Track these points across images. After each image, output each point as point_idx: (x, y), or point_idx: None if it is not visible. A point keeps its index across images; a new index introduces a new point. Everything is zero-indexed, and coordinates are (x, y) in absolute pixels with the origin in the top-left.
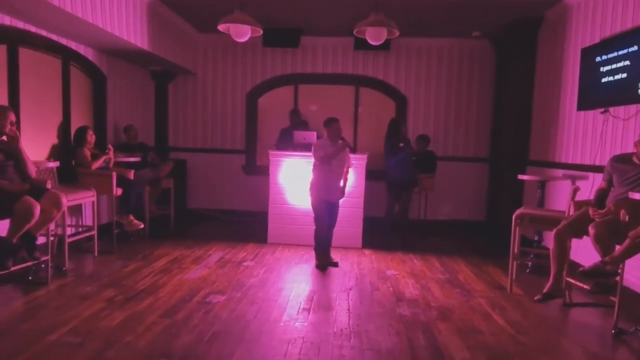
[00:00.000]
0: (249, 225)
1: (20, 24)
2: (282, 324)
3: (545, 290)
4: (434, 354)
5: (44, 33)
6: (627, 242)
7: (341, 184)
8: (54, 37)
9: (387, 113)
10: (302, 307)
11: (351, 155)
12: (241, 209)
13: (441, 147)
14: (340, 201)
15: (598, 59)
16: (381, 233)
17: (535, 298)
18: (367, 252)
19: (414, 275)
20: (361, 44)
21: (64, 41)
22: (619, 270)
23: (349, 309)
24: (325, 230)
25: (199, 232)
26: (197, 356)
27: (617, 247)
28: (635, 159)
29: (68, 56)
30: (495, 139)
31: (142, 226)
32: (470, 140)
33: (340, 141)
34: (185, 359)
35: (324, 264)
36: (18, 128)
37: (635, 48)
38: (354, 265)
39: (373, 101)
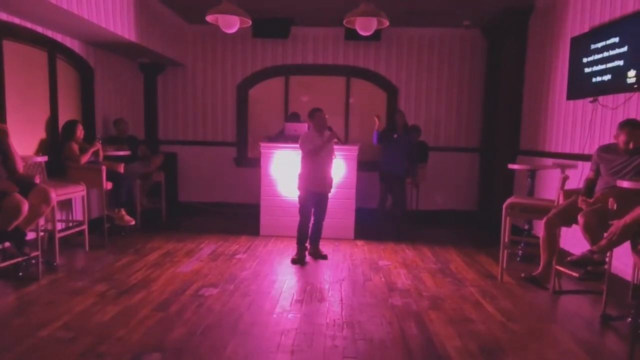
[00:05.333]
0: (241, 217)
1: (3, 16)
2: (275, 315)
3: (534, 273)
4: (425, 342)
5: (29, 25)
6: (612, 230)
7: (331, 175)
8: (40, 29)
9: (378, 104)
10: (294, 298)
11: (342, 147)
12: (233, 201)
13: (432, 137)
14: (330, 192)
15: (587, 47)
16: (373, 224)
17: (522, 275)
18: (359, 243)
19: (406, 266)
20: (352, 35)
21: (49, 33)
22: (607, 259)
23: (341, 300)
24: (309, 223)
25: (191, 225)
26: (190, 349)
27: (604, 236)
28: (619, 149)
29: (54, 49)
30: (486, 128)
31: (132, 223)
32: (461, 131)
33: (328, 132)
34: (179, 352)
35: (303, 257)
36: (4, 122)
37: (624, 37)
38: (347, 257)
39: (364, 92)
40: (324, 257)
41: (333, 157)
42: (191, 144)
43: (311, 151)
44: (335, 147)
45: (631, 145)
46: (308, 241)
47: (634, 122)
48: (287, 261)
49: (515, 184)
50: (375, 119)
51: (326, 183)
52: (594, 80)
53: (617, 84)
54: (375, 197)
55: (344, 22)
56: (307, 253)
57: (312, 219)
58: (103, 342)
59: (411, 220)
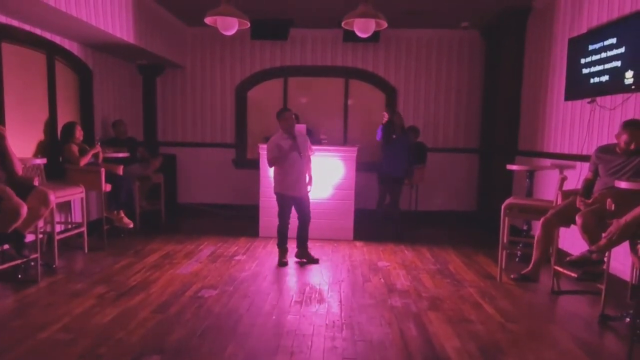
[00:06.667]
0: (240, 219)
1: (2, 18)
2: (274, 317)
3: (523, 272)
4: (424, 343)
5: (27, 27)
6: (611, 230)
7: (307, 177)
8: (38, 31)
9: (377, 105)
10: (294, 300)
11: (341, 148)
12: (232, 202)
13: (431, 138)
14: (329, 194)
15: (585, 48)
16: (372, 225)
17: (512, 276)
18: (358, 244)
19: (405, 266)
20: (350, 36)
21: (48, 35)
22: (605, 259)
23: (340, 301)
24: (287, 225)
25: (190, 227)
26: (189, 351)
27: (603, 236)
28: (618, 149)
29: (53, 51)
30: (484, 129)
31: (131, 226)
32: (460, 131)
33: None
34: (178, 354)
35: (285, 261)
36: (2, 124)
37: (621, 38)
38: (346, 258)
39: (363, 93)
40: (315, 261)
41: (310, 153)
42: (190, 145)
43: (271, 160)
44: (332, 147)
45: (632, 146)
46: (296, 243)
47: (638, 123)
48: None
49: (513, 185)
50: (385, 113)
51: (298, 186)
52: (591, 81)
53: (615, 85)
54: (374, 198)
55: (343, 23)
56: (295, 255)
57: (298, 221)
58: (102, 344)
59: (410, 221)
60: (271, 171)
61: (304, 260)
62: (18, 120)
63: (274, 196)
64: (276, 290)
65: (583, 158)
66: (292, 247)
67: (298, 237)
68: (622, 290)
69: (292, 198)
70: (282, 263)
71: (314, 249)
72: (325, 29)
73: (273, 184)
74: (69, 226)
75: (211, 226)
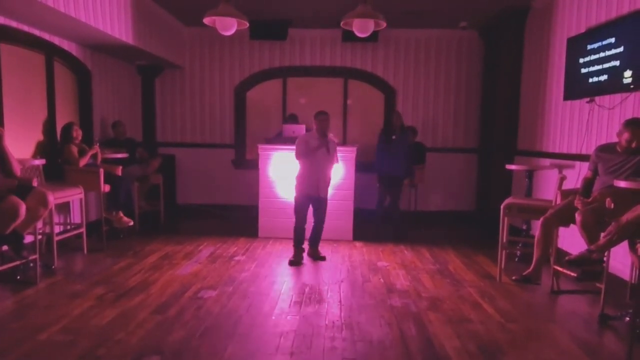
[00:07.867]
0: (239, 219)
1: (0, 19)
2: (274, 317)
3: (524, 273)
4: (424, 343)
5: (26, 28)
6: (610, 229)
7: (327, 180)
8: (37, 32)
9: (376, 105)
10: (293, 300)
11: (340, 148)
12: (231, 203)
13: (430, 138)
14: (329, 194)
15: (584, 48)
16: (372, 225)
17: (513, 277)
18: (358, 244)
19: (404, 267)
20: (349, 36)
21: (47, 36)
22: (605, 258)
23: (340, 301)
24: (304, 224)
25: (190, 228)
26: (189, 352)
27: (602, 235)
28: (618, 148)
29: (51, 52)
30: (484, 129)
31: (131, 224)
32: (459, 131)
33: (330, 135)
34: (178, 355)
35: (300, 259)
36: (1, 125)
37: (620, 37)
38: (345, 258)
39: (362, 93)
40: (323, 259)
41: (335, 161)
42: (189, 146)
43: (298, 153)
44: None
45: (634, 145)
46: (307, 242)
47: (639, 122)
48: (286, 263)
49: (513, 185)
50: None
51: (319, 186)
52: (590, 80)
53: (614, 84)
54: (373, 198)
55: (342, 23)
56: (305, 254)
57: (313, 220)
58: (102, 345)
59: (410, 221)
60: (272, 171)
61: (313, 258)
62: (17, 121)
63: (274, 196)
64: (276, 291)
65: (582, 157)
66: (292, 245)
67: (311, 236)
68: (621, 290)
69: (312, 198)
70: (294, 262)
71: None
72: (324, 29)
73: (295, 185)
74: (68, 227)
75: (210, 227)
